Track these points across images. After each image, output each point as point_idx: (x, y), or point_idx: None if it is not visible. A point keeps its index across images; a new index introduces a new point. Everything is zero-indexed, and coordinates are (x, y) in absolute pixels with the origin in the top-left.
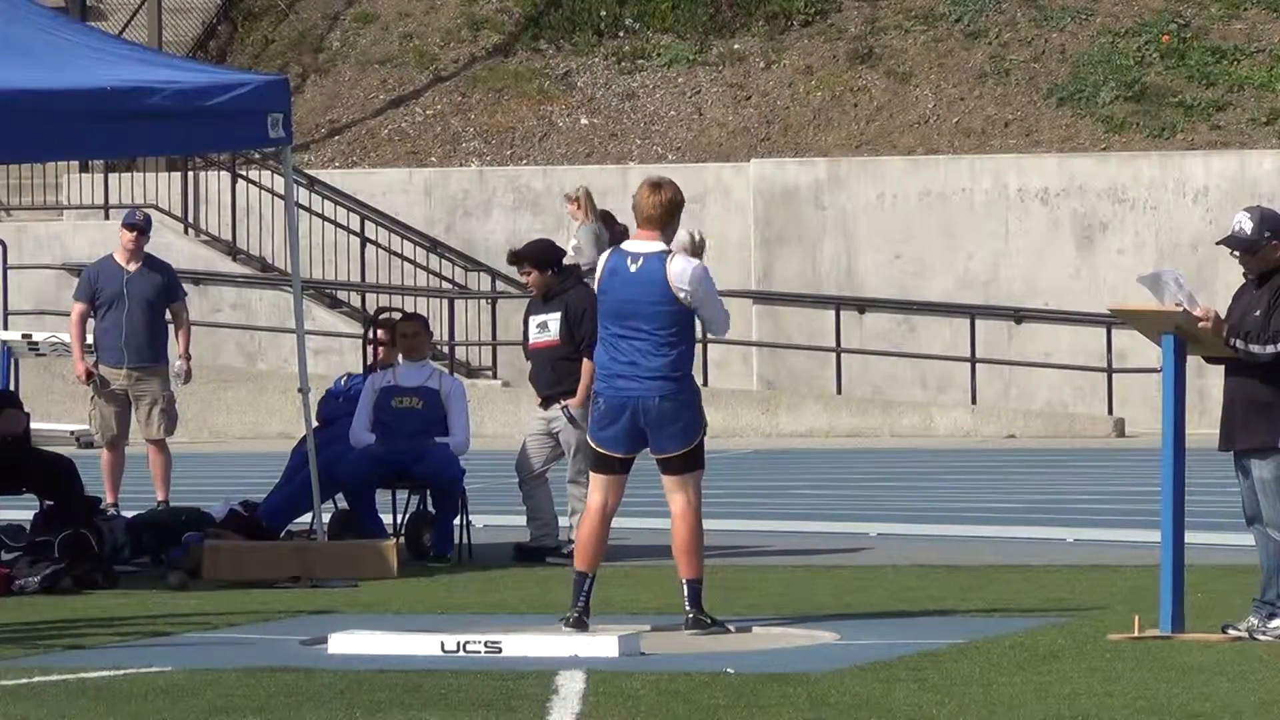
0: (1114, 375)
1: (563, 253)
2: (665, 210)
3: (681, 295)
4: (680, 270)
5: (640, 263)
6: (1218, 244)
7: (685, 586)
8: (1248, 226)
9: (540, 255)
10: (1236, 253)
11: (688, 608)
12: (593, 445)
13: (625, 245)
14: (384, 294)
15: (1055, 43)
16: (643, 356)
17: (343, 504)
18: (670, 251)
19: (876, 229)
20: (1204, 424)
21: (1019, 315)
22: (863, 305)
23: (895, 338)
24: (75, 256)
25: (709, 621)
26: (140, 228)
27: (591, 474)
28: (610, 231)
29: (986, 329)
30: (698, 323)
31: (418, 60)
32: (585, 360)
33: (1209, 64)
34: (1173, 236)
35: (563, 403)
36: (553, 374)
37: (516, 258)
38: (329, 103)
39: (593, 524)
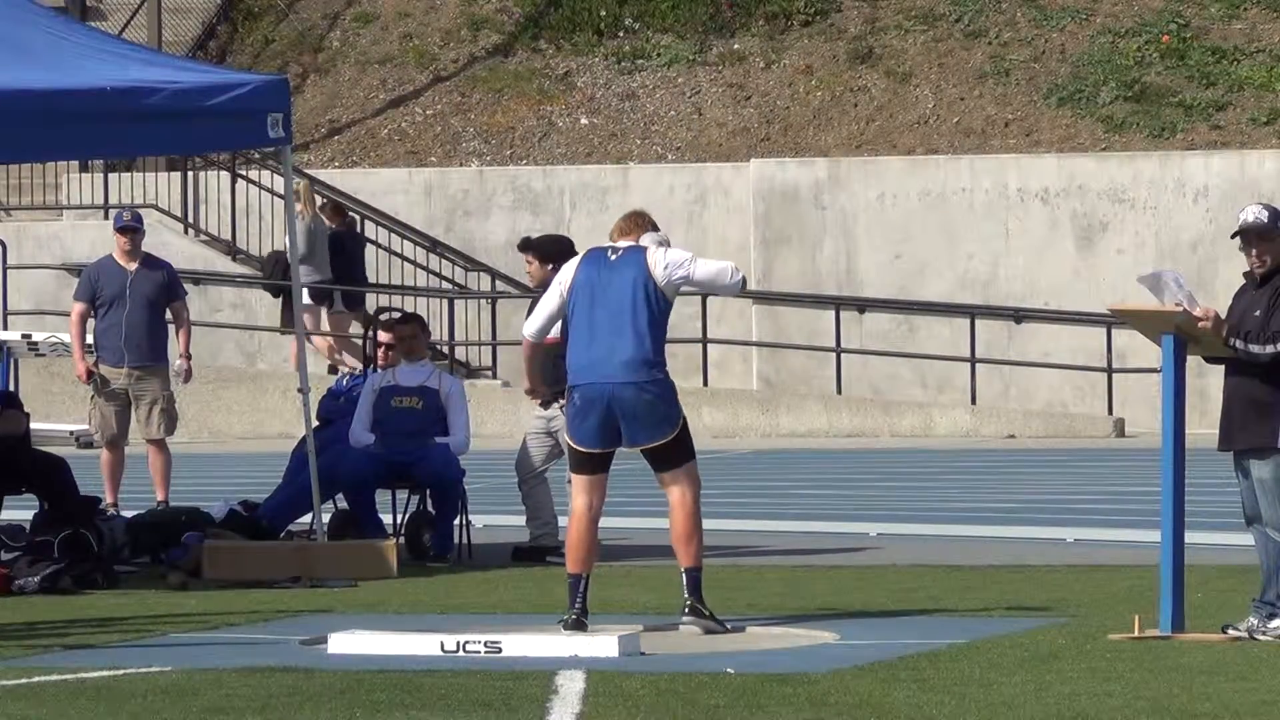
0: (1114, 375)
1: (570, 251)
2: (643, 224)
3: (665, 271)
4: (657, 257)
5: (620, 253)
6: (1233, 236)
7: (684, 575)
8: (1264, 215)
9: (546, 248)
10: (1252, 249)
11: (686, 595)
12: (571, 443)
13: (604, 244)
14: (384, 294)
15: (1055, 43)
16: (616, 348)
17: (343, 504)
18: (647, 246)
19: (876, 229)
20: (1204, 424)
21: (1019, 315)
22: (863, 305)
23: (895, 338)
24: (75, 256)
25: (706, 611)
26: (132, 228)
27: (574, 476)
28: (339, 222)
29: (986, 329)
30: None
31: (418, 60)
32: None
33: (1209, 64)
34: (1173, 236)
35: (564, 401)
36: (554, 372)
37: (526, 244)
38: (329, 103)
39: (581, 527)
